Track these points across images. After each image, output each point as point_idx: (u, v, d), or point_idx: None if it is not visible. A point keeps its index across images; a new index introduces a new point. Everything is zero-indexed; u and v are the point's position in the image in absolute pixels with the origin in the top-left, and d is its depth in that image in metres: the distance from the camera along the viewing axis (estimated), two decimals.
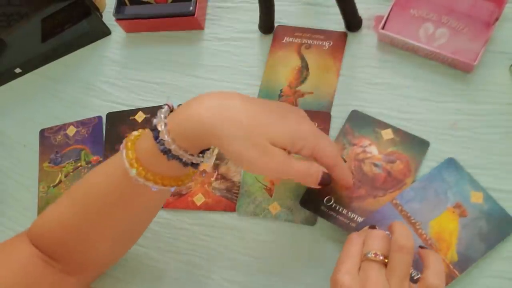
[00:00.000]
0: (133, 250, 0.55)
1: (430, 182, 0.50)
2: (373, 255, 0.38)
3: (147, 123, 0.61)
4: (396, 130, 0.53)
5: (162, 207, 0.56)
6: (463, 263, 0.47)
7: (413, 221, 0.49)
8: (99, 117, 0.63)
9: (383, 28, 0.56)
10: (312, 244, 0.52)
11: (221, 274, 0.53)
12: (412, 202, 0.50)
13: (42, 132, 0.64)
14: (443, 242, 0.48)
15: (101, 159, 0.61)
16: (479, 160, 0.50)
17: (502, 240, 0.47)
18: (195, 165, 0.42)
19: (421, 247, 0.41)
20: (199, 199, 0.56)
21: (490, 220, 0.48)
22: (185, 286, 0.53)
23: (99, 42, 0.69)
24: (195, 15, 0.62)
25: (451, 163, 0.51)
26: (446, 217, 0.49)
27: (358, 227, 0.50)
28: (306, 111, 0.43)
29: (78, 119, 0.64)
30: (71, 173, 0.61)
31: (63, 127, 0.64)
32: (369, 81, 0.57)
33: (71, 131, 0.63)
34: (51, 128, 0.64)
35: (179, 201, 0.56)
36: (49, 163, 0.62)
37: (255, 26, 0.62)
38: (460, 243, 0.47)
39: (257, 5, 0.58)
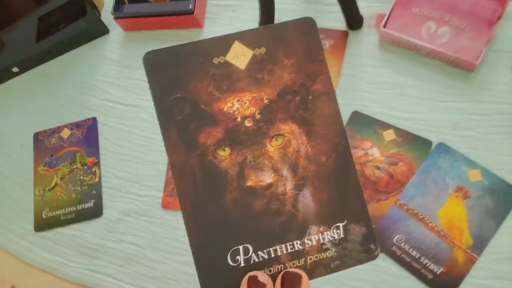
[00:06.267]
0: (131, 251, 0.55)
1: (427, 173, 0.50)
2: None
3: None
4: (398, 131, 0.53)
5: (161, 207, 0.56)
6: (479, 244, 0.47)
7: (421, 216, 0.49)
8: (94, 119, 0.63)
9: (384, 26, 0.56)
10: None
11: None
12: (415, 198, 0.50)
13: (36, 135, 0.63)
14: (455, 229, 0.48)
15: (97, 160, 0.60)
16: (482, 160, 0.50)
17: (509, 211, 0.47)
18: None
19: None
20: None
21: (493, 194, 0.48)
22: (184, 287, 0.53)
23: (97, 40, 0.68)
24: (194, 13, 0.61)
25: (441, 148, 0.50)
26: (451, 204, 0.49)
27: None
28: None
29: (76, 118, 0.63)
30: (66, 176, 0.60)
31: (57, 129, 0.63)
32: (370, 80, 0.56)
33: (65, 133, 0.63)
34: (44, 132, 0.63)
35: (178, 201, 0.55)
36: (44, 166, 0.61)
37: (255, 25, 0.62)
38: (471, 225, 0.47)
39: (257, 3, 0.57)
